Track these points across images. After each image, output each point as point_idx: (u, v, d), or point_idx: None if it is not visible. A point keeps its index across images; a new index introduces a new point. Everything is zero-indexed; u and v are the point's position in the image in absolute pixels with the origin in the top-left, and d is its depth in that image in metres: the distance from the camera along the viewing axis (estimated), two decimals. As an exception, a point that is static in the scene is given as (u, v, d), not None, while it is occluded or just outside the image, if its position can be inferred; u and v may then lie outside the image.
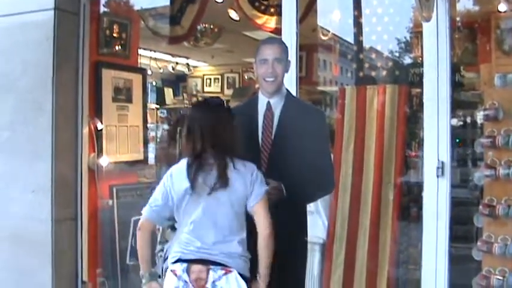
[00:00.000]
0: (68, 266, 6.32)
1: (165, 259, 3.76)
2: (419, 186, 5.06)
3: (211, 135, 3.64)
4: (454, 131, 4.82)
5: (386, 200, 5.33)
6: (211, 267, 3.52)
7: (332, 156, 4.78)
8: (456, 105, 4.80)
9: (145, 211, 3.72)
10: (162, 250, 3.99)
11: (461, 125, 5.93)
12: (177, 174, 3.67)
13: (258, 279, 3.64)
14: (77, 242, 6.37)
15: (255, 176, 3.70)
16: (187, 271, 3.53)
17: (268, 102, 4.09)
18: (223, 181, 3.59)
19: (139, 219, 3.79)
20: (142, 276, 3.73)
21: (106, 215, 6.60)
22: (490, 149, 4.79)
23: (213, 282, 3.50)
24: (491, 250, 4.71)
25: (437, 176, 4.67)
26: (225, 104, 3.88)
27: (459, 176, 5.48)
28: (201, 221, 3.59)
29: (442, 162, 4.65)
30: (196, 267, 3.53)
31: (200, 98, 8.73)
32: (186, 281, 3.52)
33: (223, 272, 3.52)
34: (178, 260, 3.59)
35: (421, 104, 4.95)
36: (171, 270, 3.58)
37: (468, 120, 5.98)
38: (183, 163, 3.67)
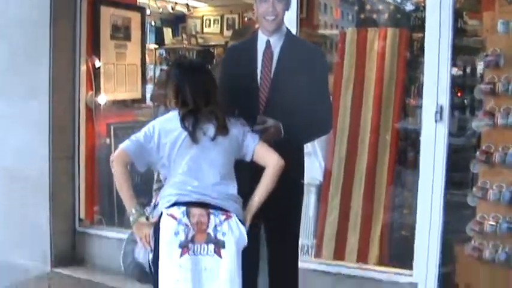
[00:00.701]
0: (65, 203, 6.36)
1: (155, 205, 3.60)
2: (417, 131, 5.06)
3: (202, 92, 3.57)
4: (454, 79, 4.79)
5: (384, 144, 5.34)
6: (212, 211, 3.43)
7: (331, 98, 4.75)
8: (457, 51, 4.77)
9: (124, 143, 3.54)
10: (159, 189, 3.86)
11: (461, 74, 5.89)
12: (167, 123, 3.56)
13: (254, 198, 3.58)
14: (74, 180, 6.40)
15: (246, 128, 3.68)
16: (187, 214, 3.40)
17: (268, 41, 4.04)
18: (224, 130, 3.55)
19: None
20: (129, 214, 3.55)
21: (103, 153, 6.60)
22: (489, 95, 4.78)
23: (215, 227, 3.41)
24: (486, 196, 4.73)
25: (436, 121, 4.66)
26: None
27: (457, 124, 5.47)
28: (198, 161, 3.51)
29: (441, 107, 4.64)
30: (196, 211, 3.41)
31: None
32: (187, 225, 3.38)
33: (224, 217, 3.44)
34: (176, 204, 3.45)
35: (421, 49, 4.92)
36: (167, 214, 3.41)
37: (468, 69, 5.94)
38: (174, 115, 3.56)
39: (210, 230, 3.39)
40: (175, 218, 3.38)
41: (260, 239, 4.07)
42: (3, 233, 6.45)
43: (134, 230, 3.55)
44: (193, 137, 3.49)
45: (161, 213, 3.44)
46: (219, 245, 3.39)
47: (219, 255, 3.38)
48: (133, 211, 3.51)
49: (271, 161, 3.58)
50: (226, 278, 3.37)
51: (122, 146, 3.54)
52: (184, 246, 3.34)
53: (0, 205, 6.45)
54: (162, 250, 3.36)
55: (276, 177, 3.57)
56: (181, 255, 3.34)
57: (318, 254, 5.57)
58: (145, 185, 5.95)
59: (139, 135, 3.54)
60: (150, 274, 3.52)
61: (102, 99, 6.61)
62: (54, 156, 6.17)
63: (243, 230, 3.46)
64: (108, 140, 6.67)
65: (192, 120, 3.50)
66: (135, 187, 3.57)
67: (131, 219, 3.52)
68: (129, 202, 3.52)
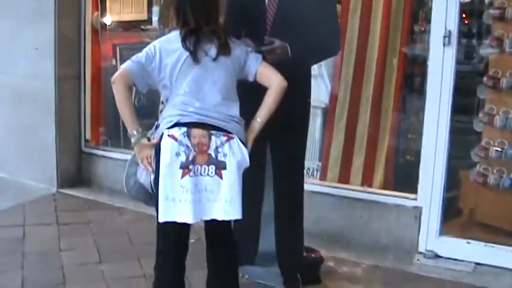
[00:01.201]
0: (71, 124, 6.39)
1: (157, 127, 3.53)
2: (425, 57, 5.02)
3: (203, 11, 3.48)
4: (462, 6, 4.72)
5: (391, 68, 5.30)
6: (213, 132, 3.40)
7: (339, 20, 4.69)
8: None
9: (126, 64, 3.48)
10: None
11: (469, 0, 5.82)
12: (169, 43, 3.50)
13: (256, 119, 3.53)
14: (79, 101, 6.41)
15: (249, 47, 3.62)
16: (188, 135, 3.37)
17: (276, -39, 3.98)
18: (226, 49, 3.49)
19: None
20: (130, 136, 3.50)
21: (109, 74, 6.55)
22: (498, 21, 4.74)
23: (216, 148, 3.37)
24: (492, 122, 4.75)
25: (444, 45, 4.61)
26: None
27: (464, 50, 5.42)
28: (199, 81, 3.47)
29: (449, 31, 4.59)
30: (197, 132, 3.38)
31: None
32: (187, 146, 3.34)
33: (226, 138, 3.40)
34: (176, 124, 3.42)
35: (431, -28, 4.85)
36: (168, 135, 3.37)
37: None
38: (176, 35, 3.49)
39: (211, 151, 3.37)
40: (175, 139, 3.36)
41: (266, 160, 4.09)
42: (10, 153, 6.51)
43: (135, 152, 3.54)
44: (195, 57, 3.44)
45: (162, 134, 3.41)
46: (220, 166, 3.37)
47: (220, 177, 3.37)
48: (135, 132, 3.47)
49: (274, 81, 3.53)
50: (226, 199, 3.37)
51: (123, 66, 3.49)
52: (185, 167, 3.33)
53: (8, 126, 6.49)
54: (162, 171, 3.35)
55: (279, 98, 3.52)
56: (182, 176, 3.33)
57: (323, 177, 5.60)
58: (151, 108, 6.00)
59: (140, 56, 3.48)
60: (153, 195, 3.53)
61: (108, 20, 6.57)
62: (61, 77, 6.16)
63: (245, 152, 3.44)
64: (114, 61, 6.64)
65: (193, 39, 3.44)
66: (140, 108, 3.53)
67: (132, 140, 3.49)
68: (130, 123, 3.47)
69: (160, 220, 3.36)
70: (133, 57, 3.49)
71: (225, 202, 3.37)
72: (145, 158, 3.49)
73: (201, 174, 3.36)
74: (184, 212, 3.34)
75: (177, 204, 3.33)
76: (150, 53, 3.48)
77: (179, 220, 3.34)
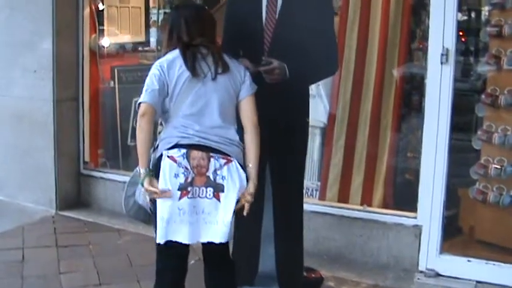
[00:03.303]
0: (70, 146, 6.38)
1: (155, 148, 3.53)
2: (423, 74, 5.03)
3: (197, 26, 3.54)
4: (459, 24, 4.73)
5: (389, 86, 5.30)
6: (212, 154, 3.41)
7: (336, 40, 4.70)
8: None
9: (143, 97, 3.42)
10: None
11: (466, 18, 5.83)
12: (168, 63, 3.48)
13: (249, 166, 3.53)
14: (78, 123, 6.40)
15: (245, 70, 3.64)
16: (187, 157, 3.38)
17: (273, -19, 4.00)
18: (224, 66, 3.51)
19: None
20: (138, 171, 3.48)
21: (107, 95, 6.61)
22: (495, 38, 4.75)
23: (215, 170, 3.39)
24: (490, 139, 4.74)
25: (442, 63, 4.61)
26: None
27: (462, 68, 5.43)
28: (199, 104, 3.47)
29: (447, 49, 4.59)
30: (197, 154, 3.39)
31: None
32: (186, 168, 3.36)
33: (225, 161, 3.42)
34: (176, 146, 3.43)
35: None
36: (167, 156, 3.39)
37: (473, 13, 5.88)
38: (173, 54, 3.51)
39: (210, 174, 3.39)
40: (175, 161, 3.37)
41: (265, 180, 4.06)
42: (9, 175, 6.51)
43: (145, 185, 3.42)
44: (194, 72, 3.45)
45: (161, 155, 3.42)
46: (218, 189, 3.39)
47: (218, 199, 3.39)
48: (143, 170, 3.42)
49: (249, 123, 3.57)
50: (224, 221, 3.38)
51: (143, 99, 3.42)
52: (183, 189, 3.35)
53: (7, 148, 6.49)
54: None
55: (258, 138, 3.55)
56: (180, 197, 3.34)
57: (323, 196, 5.58)
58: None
59: (151, 83, 3.45)
60: (152, 215, 3.52)
61: (106, 42, 6.59)
62: (59, 99, 6.16)
63: (243, 175, 3.45)
64: (112, 83, 6.65)
65: (190, 54, 3.47)
66: (135, 131, 3.51)
67: (142, 175, 3.42)
68: (144, 162, 3.43)
69: (158, 241, 3.38)
70: (146, 88, 3.46)
71: (222, 225, 3.38)
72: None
73: (199, 196, 3.38)
74: (180, 233, 3.36)
75: (173, 226, 3.35)
76: (159, 73, 3.46)
77: (175, 239, 3.36)
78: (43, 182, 6.27)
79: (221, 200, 3.39)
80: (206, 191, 3.38)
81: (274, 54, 3.84)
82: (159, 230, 3.36)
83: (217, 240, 3.40)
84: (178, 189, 3.34)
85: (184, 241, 3.37)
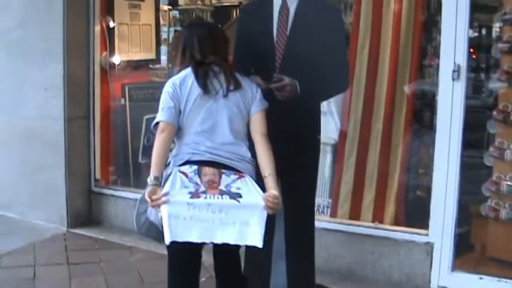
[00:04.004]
0: (81, 164, 6.39)
1: (167, 165, 3.50)
2: (434, 91, 5.02)
3: (210, 44, 3.56)
4: (470, 40, 4.72)
5: (400, 103, 5.29)
6: (223, 171, 3.41)
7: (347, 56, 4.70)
8: (474, 9, 4.71)
9: (160, 116, 3.46)
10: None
11: (477, 34, 5.83)
12: (181, 81, 3.51)
13: (266, 176, 3.44)
14: (89, 141, 6.42)
15: (257, 87, 3.65)
16: (199, 173, 3.38)
17: (284, -2, 4.01)
18: (235, 83, 3.53)
19: (152, 118, 3.58)
20: (150, 179, 3.37)
21: (118, 113, 6.62)
22: (507, 54, 4.74)
23: (227, 185, 3.35)
24: (503, 156, 4.73)
25: (453, 80, 4.60)
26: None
27: (473, 84, 5.41)
28: (210, 121, 3.49)
29: (459, 66, 4.58)
30: (208, 170, 3.39)
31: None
32: (197, 183, 3.34)
33: (237, 176, 3.42)
34: (187, 162, 3.44)
35: (439, 7, 4.84)
36: (179, 171, 3.38)
37: (484, 30, 5.87)
38: (185, 72, 3.54)
39: (222, 187, 3.34)
40: (186, 176, 3.35)
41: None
42: (20, 193, 6.52)
43: (147, 193, 3.34)
44: (206, 89, 3.47)
45: (172, 171, 3.40)
46: (234, 196, 3.30)
47: (237, 201, 3.29)
48: (153, 178, 3.34)
49: (258, 136, 3.56)
50: (243, 222, 3.26)
51: (161, 118, 3.45)
52: (194, 195, 3.27)
53: (18, 166, 6.51)
54: (168, 195, 3.25)
55: (269, 146, 3.52)
56: (192, 197, 3.25)
57: (334, 214, 5.57)
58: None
59: (165, 101, 3.47)
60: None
61: (117, 59, 6.62)
62: (70, 117, 6.18)
63: (259, 188, 3.39)
64: (122, 100, 6.68)
65: (202, 72, 3.49)
66: (150, 147, 3.51)
67: (149, 183, 3.34)
68: (157, 170, 3.38)
69: (167, 242, 3.21)
70: (162, 107, 3.48)
71: (240, 225, 3.26)
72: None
73: (215, 198, 3.28)
74: (191, 230, 3.21)
75: (182, 223, 3.21)
76: (172, 90, 3.49)
77: (185, 239, 3.20)
78: (54, 200, 6.28)
79: (240, 201, 3.29)
80: (222, 197, 3.29)
81: (285, 71, 3.84)
82: (167, 228, 3.19)
83: (232, 241, 3.26)
84: (189, 193, 3.27)
85: (196, 240, 3.21)
